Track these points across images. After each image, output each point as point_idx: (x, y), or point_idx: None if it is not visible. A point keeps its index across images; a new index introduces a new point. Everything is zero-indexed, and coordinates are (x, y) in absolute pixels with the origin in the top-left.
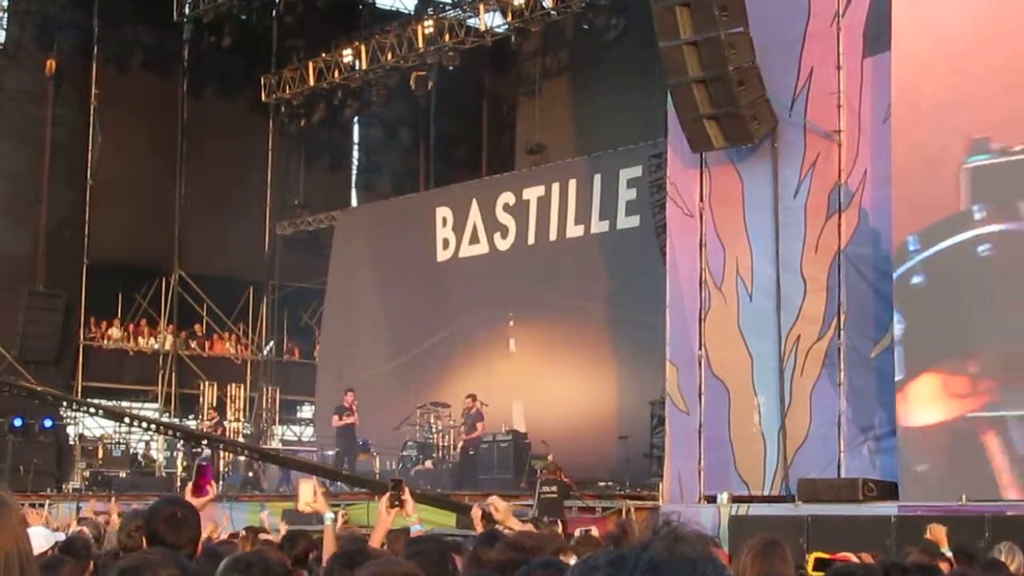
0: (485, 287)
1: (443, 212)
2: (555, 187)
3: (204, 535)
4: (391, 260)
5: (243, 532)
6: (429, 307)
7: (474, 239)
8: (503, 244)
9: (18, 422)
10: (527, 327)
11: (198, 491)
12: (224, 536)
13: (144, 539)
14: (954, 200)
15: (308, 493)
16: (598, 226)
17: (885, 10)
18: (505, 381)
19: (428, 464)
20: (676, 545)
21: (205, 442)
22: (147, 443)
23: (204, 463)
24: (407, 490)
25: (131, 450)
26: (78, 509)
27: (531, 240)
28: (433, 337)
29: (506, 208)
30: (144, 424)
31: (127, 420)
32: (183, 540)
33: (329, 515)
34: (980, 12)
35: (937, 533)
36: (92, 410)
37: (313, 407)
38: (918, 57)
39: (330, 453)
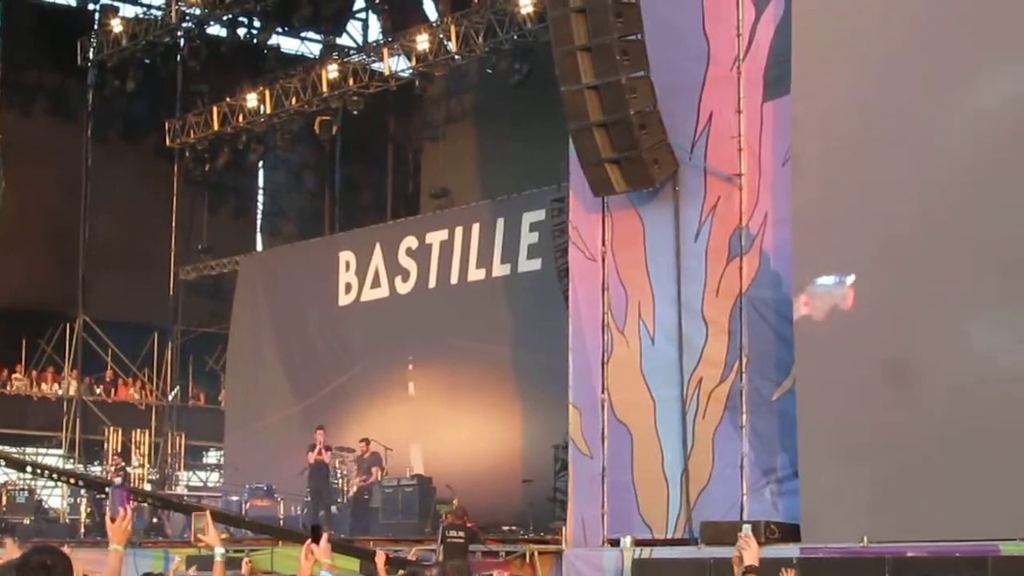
0: (385, 331)
1: (346, 256)
2: (458, 231)
3: None
4: (293, 304)
5: None
6: (330, 351)
7: (375, 283)
8: (404, 288)
9: None
10: (426, 370)
11: (118, 514)
12: None
13: None
14: None
15: (201, 525)
16: (500, 269)
17: (785, 54)
18: (403, 424)
19: (333, 509)
20: None
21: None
22: (44, 489)
23: (117, 488)
24: (325, 536)
25: (35, 496)
26: None
27: (432, 284)
28: (333, 382)
29: (408, 252)
30: (47, 473)
31: (30, 469)
32: None
33: (219, 549)
34: (880, 54)
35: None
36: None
37: (220, 452)
38: (818, 99)
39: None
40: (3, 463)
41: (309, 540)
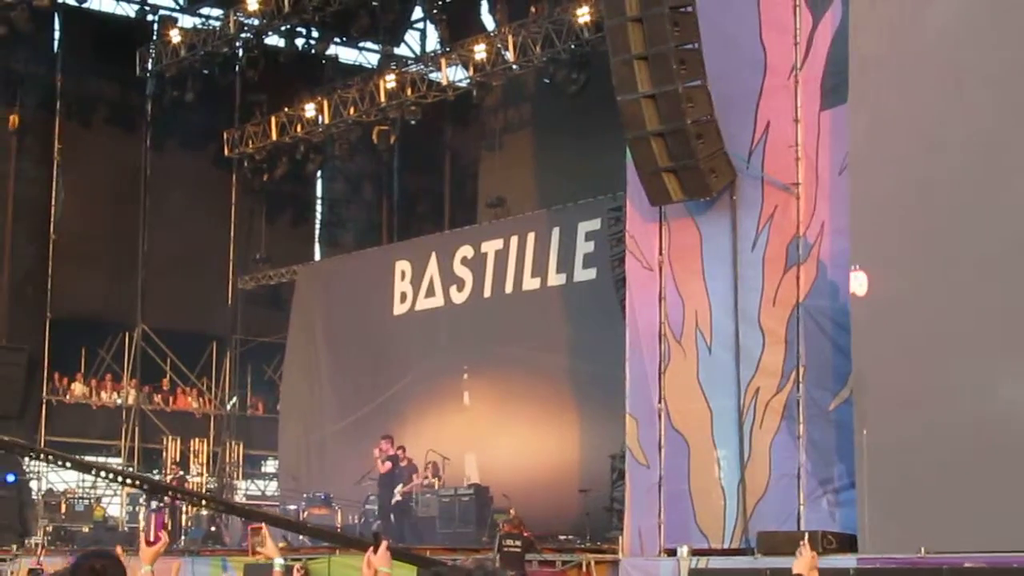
0: (440, 340)
1: (402, 265)
2: (514, 240)
3: None
4: (349, 314)
5: None
6: (385, 361)
7: (430, 292)
8: (459, 297)
9: None
10: (481, 380)
11: (154, 539)
12: None
13: None
14: None
15: (259, 539)
16: (555, 279)
17: (842, 63)
18: (458, 433)
19: (393, 518)
20: None
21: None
22: (101, 498)
23: (156, 512)
24: (384, 544)
25: (96, 505)
26: (37, 563)
27: (487, 293)
28: (388, 391)
29: (464, 261)
30: (120, 478)
31: (104, 474)
32: None
33: (279, 560)
34: (941, 64)
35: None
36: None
37: (276, 461)
38: (876, 109)
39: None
40: (68, 465)
41: (371, 548)
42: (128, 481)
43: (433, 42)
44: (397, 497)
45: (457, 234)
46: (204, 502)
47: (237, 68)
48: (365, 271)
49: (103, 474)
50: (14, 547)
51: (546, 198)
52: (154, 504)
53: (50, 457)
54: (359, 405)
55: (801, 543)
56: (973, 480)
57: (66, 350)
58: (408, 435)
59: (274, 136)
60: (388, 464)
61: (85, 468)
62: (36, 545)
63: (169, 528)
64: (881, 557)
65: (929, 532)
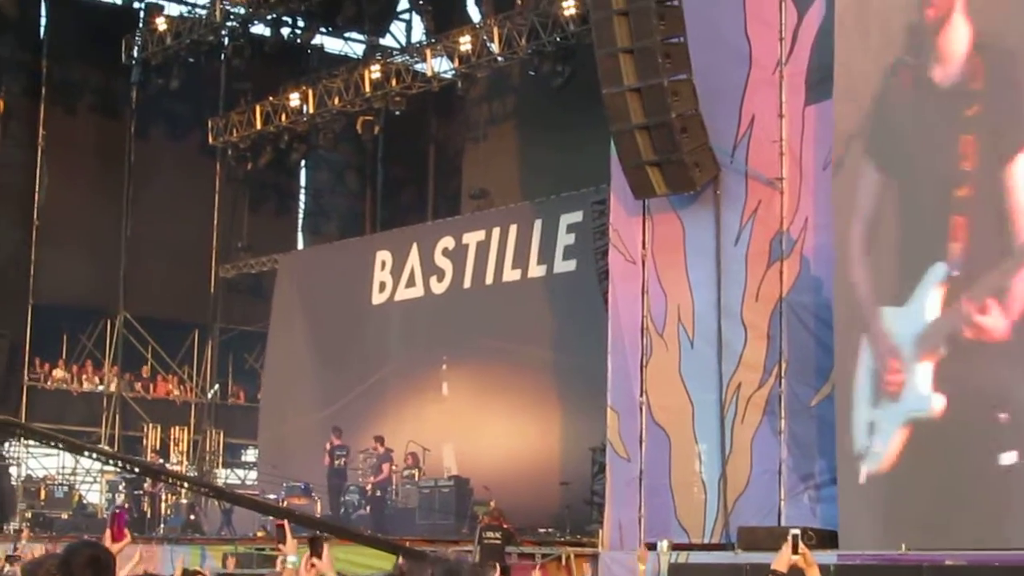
0: (419, 331)
1: (383, 256)
2: (495, 232)
3: None
4: (329, 303)
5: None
6: (364, 351)
7: (410, 282)
8: (439, 287)
9: None
10: (460, 370)
11: (117, 537)
12: None
13: None
14: None
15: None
16: (535, 271)
17: (828, 58)
18: (437, 424)
19: (369, 509)
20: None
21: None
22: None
23: (118, 510)
24: (325, 548)
25: (75, 491)
26: (14, 549)
27: (467, 284)
28: (367, 381)
29: (445, 252)
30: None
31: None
32: None
33: (292, 557)
34: (920, 56)
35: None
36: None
37: (256, 450)
38: (860, 104)
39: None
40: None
41: (308, 553)
42: (120, 464)
43: (418, 33)
44: (351, 487)
45: (439, 225)
46: (205, 489)
47: (223, 56)
48: (346, 261)
49: (95, 456)
50: None
51: (530, 190)
52: (119, 496)
53: (56, 444)
54: (339, 395)
55: (785, 543)
56: (955, 477)
57: (47, 336)
58: (388, 425)
59: (259, 125)
60: (327, 459)
61: (77, 449)
62: (15, 532)
63: (134, 518)
64: (861, 554)
65: (909, 529)
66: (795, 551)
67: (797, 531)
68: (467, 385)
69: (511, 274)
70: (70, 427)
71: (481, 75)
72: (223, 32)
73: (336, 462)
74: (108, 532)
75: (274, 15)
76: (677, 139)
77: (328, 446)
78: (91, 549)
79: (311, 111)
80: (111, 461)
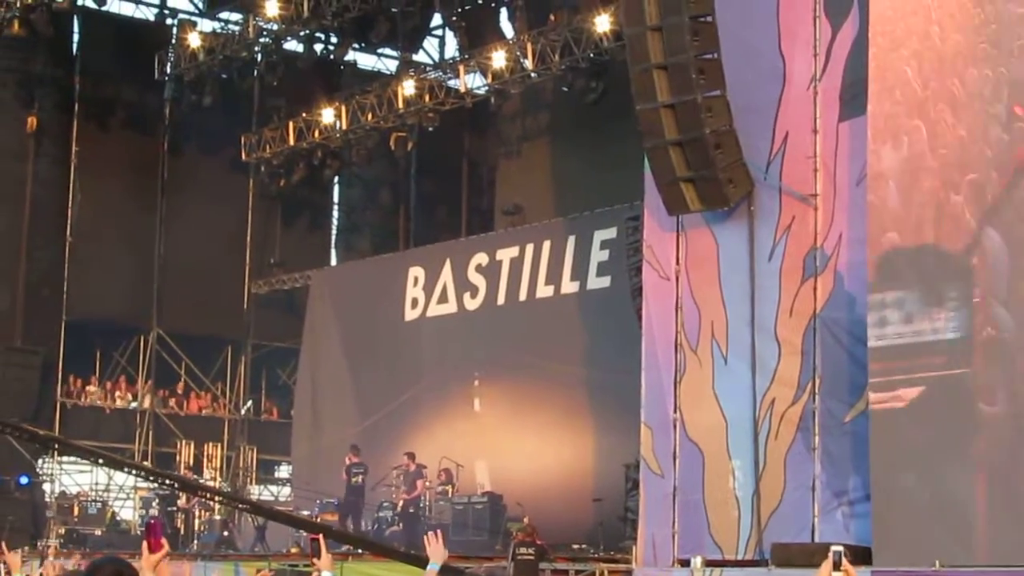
0: (452, 347)
1: (415, 272)
2: (529, 248)
3: None
4: (362, 319)
5: None
6: (396, 367)
7: (443, 299)
8: (472, 304)
9: None
10: (493, 387)
11: (154, 548)
12: None
13: None
14: None
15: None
16: (569, 287)
17: (861, 73)
18: (469, 440)
19: (402, 525)
20: None
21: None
22: (116, 501)
23: (152, 520)
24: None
25: (108, 508)
26: (40, 565)
27: (500, 300)
28: (399, 397)
29: (478, 269)
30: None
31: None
32: None
33: (327, 573)
34: (956, 72)
35: None
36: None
37: (290, 467)
38: (894, 119)
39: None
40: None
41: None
42: (160, 480)
43: (452, 49)
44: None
45: (472, 241)
46: (243, 505)
47: (256, 73)
48: (378, 277)
49: (134, 472)
50: (26, 549)
51: (563, 206)
52: (152, 511)
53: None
54: (372, 411)
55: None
56: (990, 493)
57: (81, 353)
58: (420, 441)
59: (292, 141)
60: (344, 476)
61: (117, 465)
62: (44, 547)
63: (168, 533)
64: (895, 571)
65: (944, 546)
66: (836, 568)
67: (840, 548)
68: (500, 401)
69: (544, 290)
70: (104, 443)
71: (514, 91)
72: (256, 48)
73: (353, 479)
74: (144, 544)
75: (307, 31)
76: (711, 155)
77: (346, 462)
78: (115, 565)
79: (344, 127)
80: (151, 477)
